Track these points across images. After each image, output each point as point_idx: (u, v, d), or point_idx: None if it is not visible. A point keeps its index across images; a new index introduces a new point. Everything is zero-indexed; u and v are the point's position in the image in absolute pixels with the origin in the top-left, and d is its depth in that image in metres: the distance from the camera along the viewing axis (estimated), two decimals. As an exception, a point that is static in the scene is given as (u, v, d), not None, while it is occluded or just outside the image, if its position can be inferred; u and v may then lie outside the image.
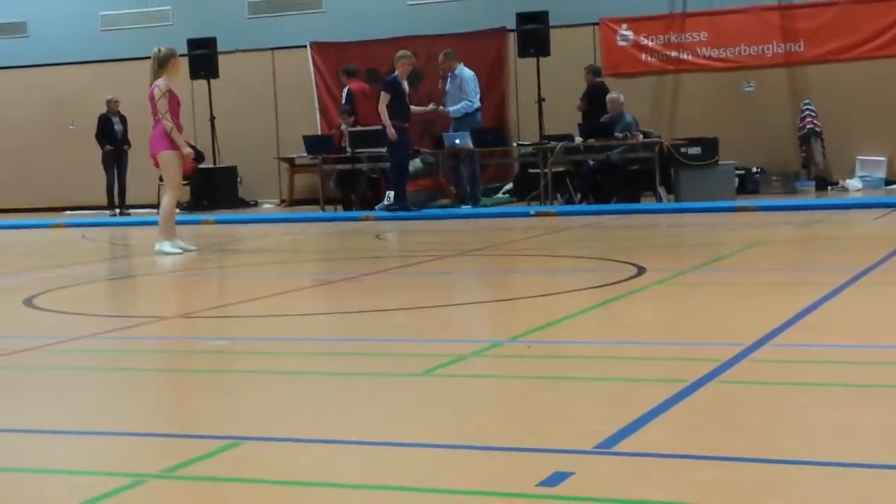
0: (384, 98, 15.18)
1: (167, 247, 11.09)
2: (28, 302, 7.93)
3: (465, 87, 16.52)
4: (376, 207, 16.05)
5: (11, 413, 4.71)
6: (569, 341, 5.82)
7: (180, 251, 11.12)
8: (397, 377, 5.04)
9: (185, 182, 19.03)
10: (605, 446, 3.66)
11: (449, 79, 16.67)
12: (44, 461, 3.93)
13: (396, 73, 15.41)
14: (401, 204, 15.30)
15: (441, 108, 16.73)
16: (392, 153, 15.38)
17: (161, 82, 11.14)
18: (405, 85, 15.46)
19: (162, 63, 11.25)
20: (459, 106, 16.44)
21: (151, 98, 11.14)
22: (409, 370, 5.14)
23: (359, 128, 17.19)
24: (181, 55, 19.10)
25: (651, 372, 4.93)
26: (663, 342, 5.67)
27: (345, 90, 18.34)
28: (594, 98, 16.76)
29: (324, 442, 3.94)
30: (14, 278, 9.45)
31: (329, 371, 5.33)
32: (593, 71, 17.26)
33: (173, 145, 11.15)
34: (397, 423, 4.19)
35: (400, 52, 15.69)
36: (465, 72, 16.66)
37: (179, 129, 11.20)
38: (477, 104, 16.61)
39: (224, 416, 4.40)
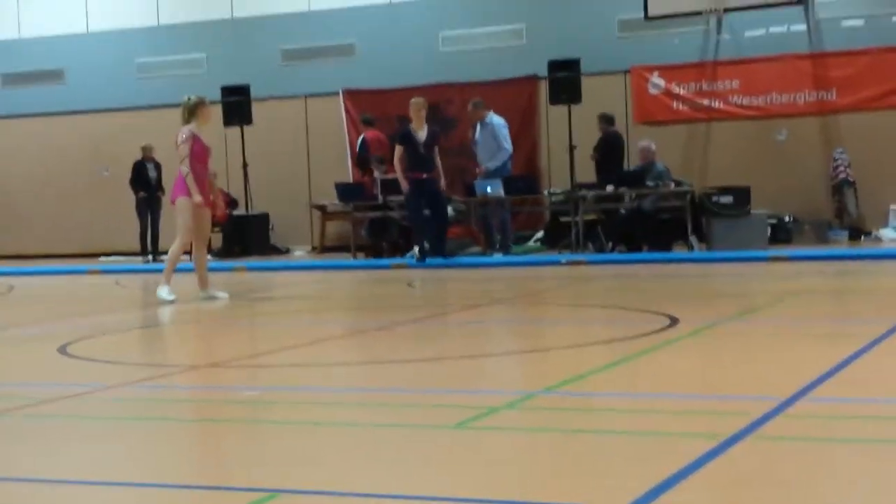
0: (397, 151, 15.20)
1: (164, 293, 11.17)
2: (62, 350, 7.97)
3: (498, 135, 16.57)
4: (406, 256, 16.07)
5: (45, 462, 4.72)
6: (602, 393, 5.78)
7: (174, 298, 11.10)
8: (430, 429, 5.02)
9: (216, 229, 19.29)
10: (640, 504, 3.63)
11: (479, 128, 16.73)
12: (78, 513, 3.93)
13: (412, 123, 15.36)
14: (438, 252, 15.20)
15: (480, 168, 16.73)
16: (406, 206, 15.53)
17: (186, 129, 11.23)
18: (421, 134, 15.18)
19: (192, 111, 11.34)
20: (498, 159, 16.48)
21: (176, 144, 11.28)
22: (442, 422, 5.11)
23: (390, 176, 17.26)
24: (214, 102, 19.53)
25: (685, 426, 4.89)
26: (697, 395, 5.63)
27: (360, 138, 18.48)
28: (608, 147, 16.81)
29: (357, 496, 3.92)
30: (49, 326, 9.51)
31: (362, 422, 5.31)
32: (606, 119, 17.21)
33: (188, 192, 11.18)
34: (431, 476, 4.17)
35: (413, 100, 15.51)
36: (496, 119, 16.72)
37: (203, 177, 11.23)
38: (510, 151, 16.68)
39: (258, 468, 4.39)
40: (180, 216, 11.33)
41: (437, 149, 15.31)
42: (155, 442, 5.05)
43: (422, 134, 15.13)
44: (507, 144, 16.63)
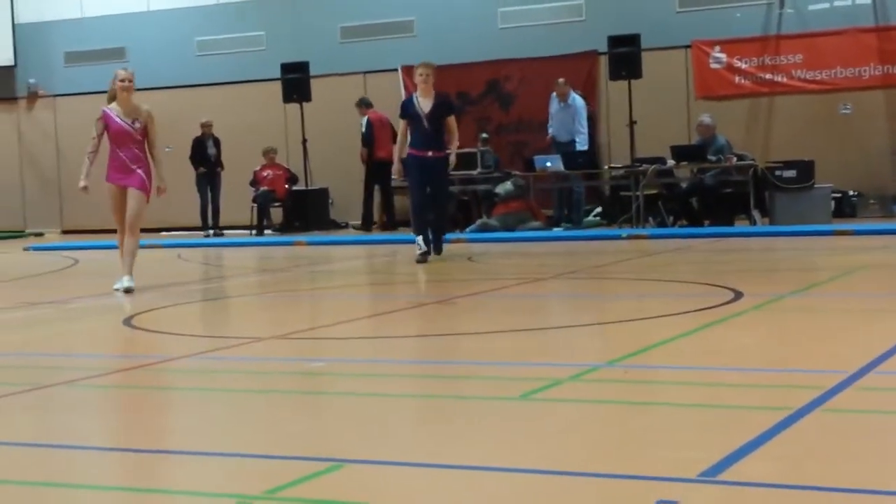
0: (401, 126, 12.53)
1: (115, 284, 10.09)
2: (127, 322, 8.06)
3: (578, 117, 16.84)
4: (467, 230, 16.08)
5: (111, 433, 4.79)
6: (666, 366, 5.75)
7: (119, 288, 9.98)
8: (494, 401, 5.02)
9: (277, 204, 19.42)
10: (710, 475, 3.60)
11: (560, 105, 16.80)
12: (147, 481, 3.98)
13: (415, 92, 12.60)
14: (436, 250, 12.53)
15: (549, 135, 17.01)
16: (409, 190, 12.87)
17: (107, 106, 10.24)
18: (425, 105, 12.25)
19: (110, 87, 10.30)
20: (583, 141, 16.76)
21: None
22: (505, 394, 5.11)
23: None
24: (274, 79, 19.62)
25: (753, 399, 4.85)
26: (764, 369, 5.59)
27: (363, 120, 18.56)
28: None
29: (424, 466, 3.94)
30: (114, 298, 9.61)
31: (426, 394, 5.33)
32: None
33: (106, 177, 10.15)
34: (496, 447, 4.17)
35: (419, 64, 12.78)
36: (579, 100, 16.97)
37: (117, 157, 10.07)
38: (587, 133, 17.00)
39: (325, 439, 4.42)
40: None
41: (450, 122, 12.39)
42: (222, 412, 5.09)
43: (426, 104, 12.26)
44: (586, 127, 16.88)
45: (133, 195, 10.04)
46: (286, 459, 4.07)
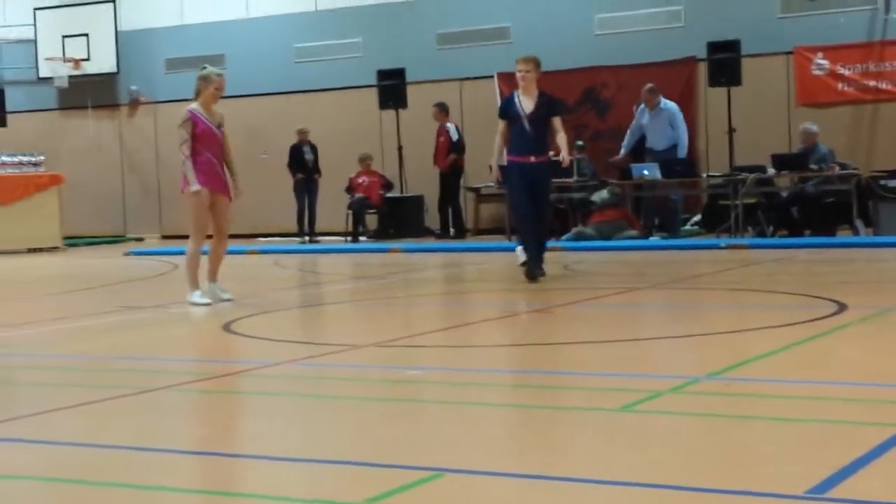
0: (500, 126, 11.08)
1: (196, 297, 9.69)
2: (226, 327, 8.14)
3: (676, 122, 16.59)
4: (563, 238, 16.01)
5: (209, 438, 4.81)
6: (769, 380, 5.63)
7: (210, 301, 9.66)
8: (594, 412, 4.96)
9: (372, 211, 19.52)
10: (818, 492, 3.51)
11: (647, 113, 16.61)
12: (245, 486, 3.99)
13: (518, 90, 10.98)
14: (535, 269, 10.94)
15: (618, 156, 16.93)
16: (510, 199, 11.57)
17: (185, 109, 9.79)
18: (524, 105, 10.82)
19: (196, 87, 9.87)
20: (684, 145, 16.52)
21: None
22: (605, 405, 5.05)
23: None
24: (370, 86, 19.74)
25: (860, 414, 4.72)
26: (872, 383, 5.44)
27: (451, 126, 18.79)
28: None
29: (524, 477, 3.89)
30: (213, 304, 9.69)
31: (525, 404, 5.28)
32: None
33: (199, 180, 9.67)
34: (597, 459, 4.11)
35: (520, 58, 11.18)
36: (671, 104, 16.74)
37: (211, 163, 9.72)
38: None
39: (424, 447, 4.39)
40: (188, 211, 9.89)
41: (555, 123, 10.97)
42: (321, 418, 5.10)
43: (529, 104, 10.86)
44: (686, 131, 16.72)
45: (225, 202, 9.90)
46: (386, 468, 4.06)
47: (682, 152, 16.54)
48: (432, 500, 3.65)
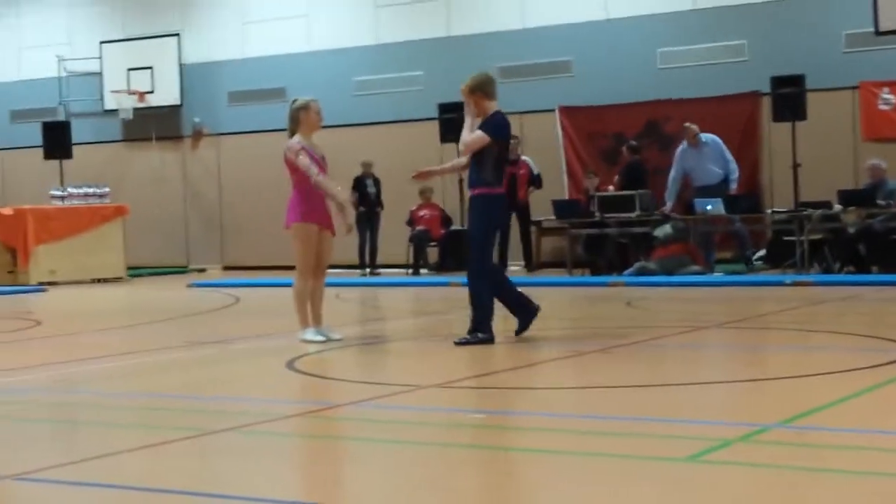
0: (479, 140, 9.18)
1: (308, 335, 9.47)
2: (290, 365, 8.13)
3: (724, 153, 16.54)
4: (625, 273, 15.91)
5: (274, 482, 4.79)
6: (843, 429, 5.50)
7: (323, 339, 9.43)
8: (661, 462, 4.87)
9: (433, 244, 19.52)
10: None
11: (692, 151, 16.49)
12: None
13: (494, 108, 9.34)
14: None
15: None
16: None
17: (293, 141, 9.53)
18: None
19: (293, 117, 9.61)
20: (734, 175, 16.46)
21: (287, 162, 9.57)
22: (672, 454, 4.96)
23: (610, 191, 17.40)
24: (432, 119, 19.77)
25: (937, 469, 4.60)
26: (948, 435, 5.31)
27: (529, 160, 18.97)
28: (630, 175, 17.33)
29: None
30: (274, 339, 9.70)
31: (589, 451, 5.19)
32: (632, 149, 17.73)
33: (304, 216, 9.53)
34: (667, 514, 4.03)
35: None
36: (712, 137, 16.68)
37: (318, 195, 9.57)
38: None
39: (485, 497, 4.33)
40: (295, 244, 9.65)
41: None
42: (383, 465, 5.06)
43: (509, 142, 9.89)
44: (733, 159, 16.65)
45: (329, 237, 9.74)
46: (451, 520, 4.01)
47: (735, 185, 16.39)
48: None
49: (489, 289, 9.26)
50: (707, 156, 16.50)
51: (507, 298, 9.44)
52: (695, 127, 16.69)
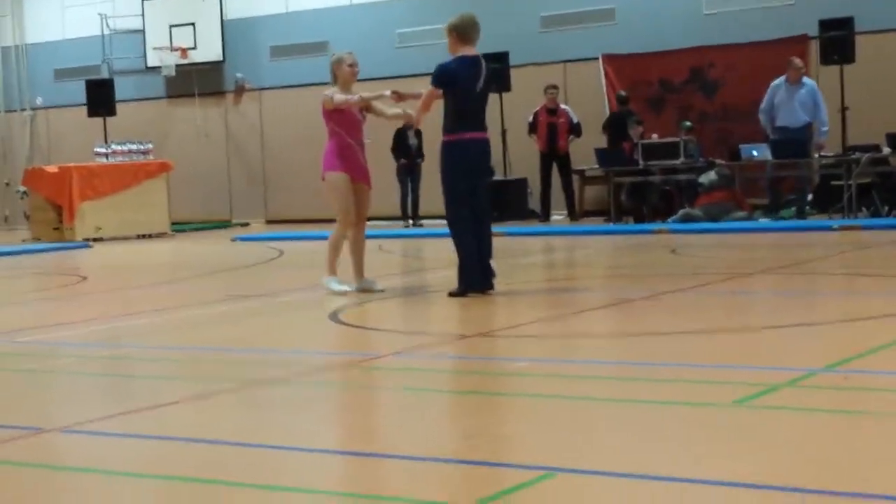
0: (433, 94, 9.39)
1: (333, 284, 9.45)
2: (333, 317, 8.14)
3: (818, 100, 16.14)
4: (669, 220, 15.78)
5: (316, 433, 4.80)
6: (890, 372, 5.44)
7: (348, 289, 9.40)
8: (706, 407, 4.84)
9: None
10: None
11: (788, 88, 16.18)
12: (351, 485, 3.96)
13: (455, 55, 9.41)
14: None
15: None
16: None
17: (327, 91, 9.58)
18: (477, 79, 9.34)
19: (331, 71, 9.73)
20: (826, 128, 16.11)
21: (323, 113, 9.61)
22: (718, 399, 4.92)
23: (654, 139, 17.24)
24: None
25: None
26: None
27: (569, 109, 18.86)
28: (615, 125, 17.78)
29: (636, 478, 3.80)
30: (319, 292, 9.70)
31: (636, 398, 5.17)
32: (620, 99, 18.35)
33: (336, 166, 9.47)
34: (712, 458, 4.00)
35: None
36: (812, 82, 16.38)
37: (355, 149, 9.55)
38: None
39: (533, 445, 4.32)
40: (332, 195, 9.55)
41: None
42: (430, 414, 5.06)
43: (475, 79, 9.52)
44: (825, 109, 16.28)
45: (365, 190, 9.76)
46: (496, 466, 4.01)
47: (825, 137, 16.07)
48: (544, 500, 3.58)
49: (466, 239, 9.17)
50: (798, 98, 16.16)
51: None
52: (800, 63, 16.35)
